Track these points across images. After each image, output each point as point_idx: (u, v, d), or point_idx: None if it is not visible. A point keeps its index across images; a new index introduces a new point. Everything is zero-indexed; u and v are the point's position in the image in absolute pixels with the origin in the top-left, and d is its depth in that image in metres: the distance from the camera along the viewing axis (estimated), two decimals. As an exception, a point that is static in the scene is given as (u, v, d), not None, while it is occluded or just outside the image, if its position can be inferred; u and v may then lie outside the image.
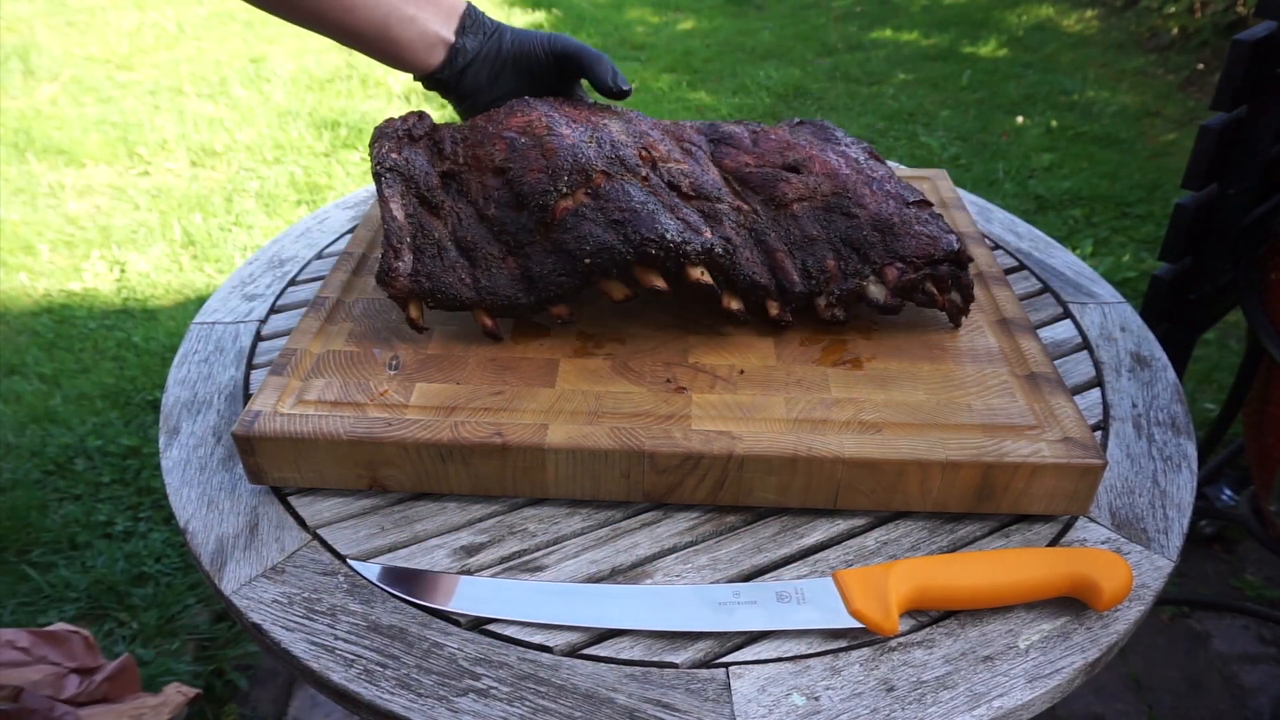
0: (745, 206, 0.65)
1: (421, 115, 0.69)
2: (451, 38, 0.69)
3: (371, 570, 0.50)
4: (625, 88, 0.71)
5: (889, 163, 0.90)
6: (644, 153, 0.65)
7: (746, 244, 0.62)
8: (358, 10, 0.65)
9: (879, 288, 0.62)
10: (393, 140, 0.66)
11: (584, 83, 0.75)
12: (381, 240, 0.63)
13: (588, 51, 0.71)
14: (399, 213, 0.61)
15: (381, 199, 0.62)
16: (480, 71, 0.70)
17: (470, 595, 0.48)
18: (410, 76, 0.72)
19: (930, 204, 0.66)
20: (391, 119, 0.69)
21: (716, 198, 0.64)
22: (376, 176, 0.64)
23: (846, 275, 0.62)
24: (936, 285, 0.62)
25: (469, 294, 0.59)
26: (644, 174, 0.63)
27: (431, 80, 0.71)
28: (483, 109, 0.71)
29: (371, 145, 0.66)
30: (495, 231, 0.62)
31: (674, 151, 0.67)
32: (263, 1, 0.63)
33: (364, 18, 0.65)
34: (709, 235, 0.59)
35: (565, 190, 0.60)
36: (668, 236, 0.57)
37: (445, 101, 0.75)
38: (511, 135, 0.65)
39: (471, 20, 0.69)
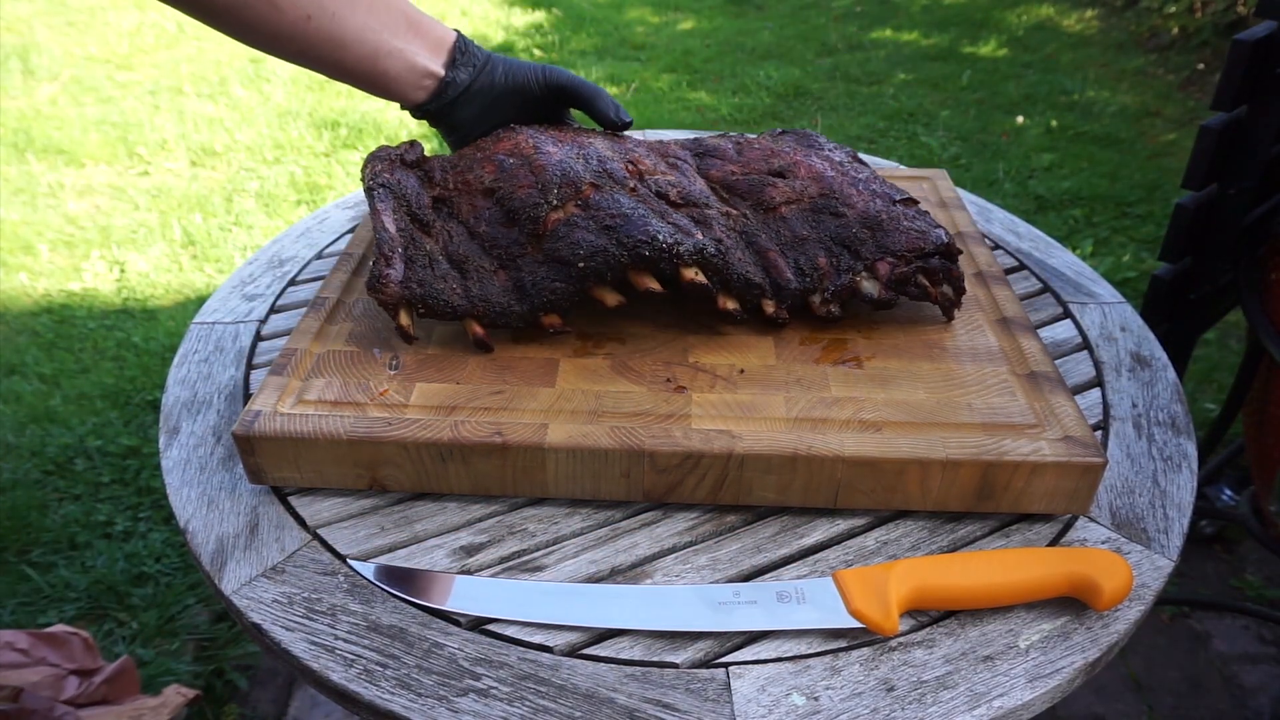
0: (734, 212, 0.66)
1: (413, 144, 0.70)
2: (441, 71, 0.68)
3: (368, 568, 0.50)
4: (626, 119, 0.71)
5: (889, 162, 0.91)
6: (630, 166, 0.66)
7: (738, 245, 0.62)
8: (349, 47, 0.63)
9: (872, 283, 0.62)
10: (385, 162, 0.67)
11: (574, 112, 0.75)
12: (373, 249, 0.63)
13: (584, 86, 0.71)
14: (390, 225, 0.61)
15: (373, 210, 0.62)
16: (472, 104, 0.70)
17: (467, 595, 0.48)
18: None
19: (916, 201, 0.67)
20: (385, 145, 0.69)
21: (705, 204, 0.64)
22: (369, 191, 0.64)
23: (839, 272, 0.62)
24: (928, 278, 0.62)
25: (460, 301, 0.59)
26: (632, 185, 0.63)
27: (421, 111, 0.70)
28: (474, 140, 0.71)
29: (364, 167, 0.67)
30: (486, 247, 0.62)
31: (659, 165, 0.68)
32: (255, 41, 0.62)
33: (355, 54, 0.64)
34: (700, 236, 0.60)
35: (555, 202, 0.60)
36: (660, 237, 0.57)
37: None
38: (500, 157, 0.66)
39: (462, 52, 0.68)
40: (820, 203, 0.65)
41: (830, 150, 0.73)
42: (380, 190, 0.64)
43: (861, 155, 0.81)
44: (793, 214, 0.65)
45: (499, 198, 0.64)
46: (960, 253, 0.64)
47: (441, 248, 0.62)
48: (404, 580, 0.49)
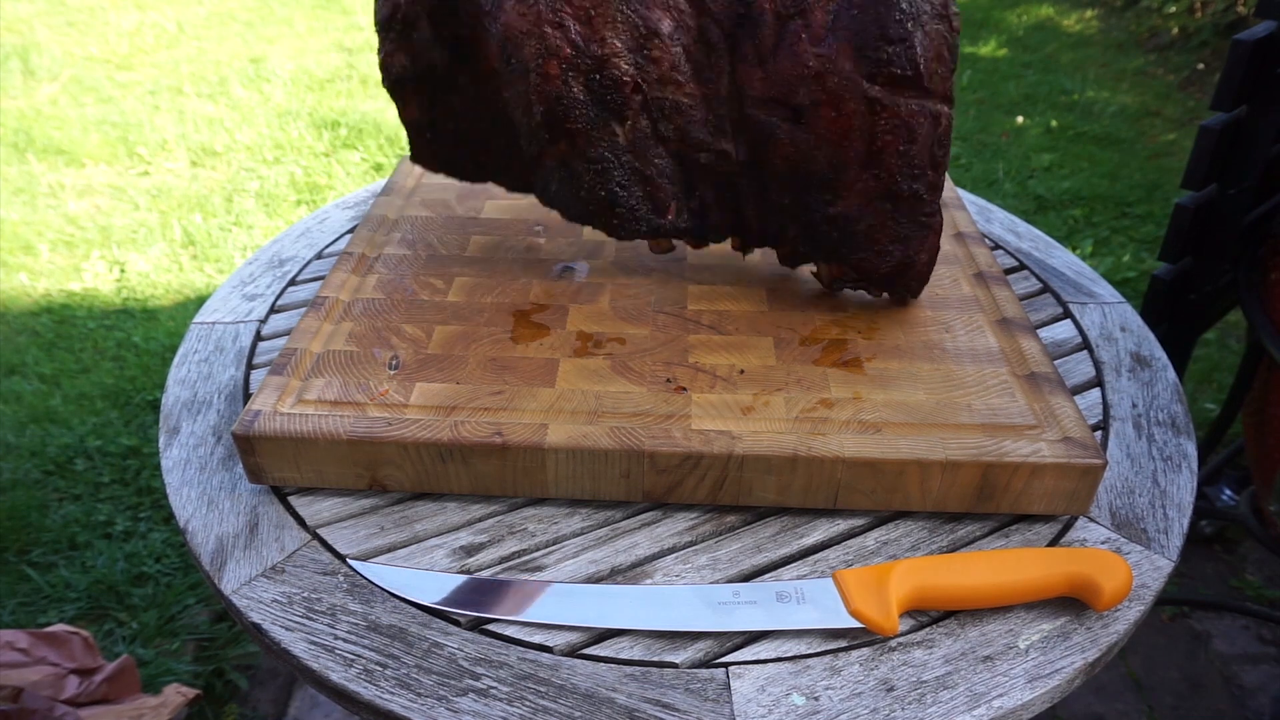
0: (730, 153, 0.60)
1: None
2: None
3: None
4: None
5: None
6: (642, 73, 0.58)
7: (717, 202, 0.63)
8: None
9: (825, 269, 0.65)
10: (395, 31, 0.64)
11: None
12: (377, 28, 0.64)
13: None
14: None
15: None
16: None
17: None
18: None
19: (928, 198, 0.59)
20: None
21: (704, 145, 0.60)
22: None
23: (797, 254, 0.65)
24: (875, 286, 0.65)
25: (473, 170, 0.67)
26: (628, 120, 0.58)
27: None
28: None
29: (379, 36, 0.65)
30: (493, 128, 0.65)
31: (682, 58, 0.58)
32: None
33: None
34: (670, 217, 0.62)
35: (547, 140, 0.61)
36: (631, 225, 0.62)
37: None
38: (499, 37, 0.59)
39: None
40: (819, 177, 0.59)
41: (892, 65, 0.55)
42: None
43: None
44: (786, 170, 0.59)
45: (505, 96, 0.63)
46: (920, 277, 0.62)
47: (454, 113, 0.65)
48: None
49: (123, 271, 2.00)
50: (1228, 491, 1.35)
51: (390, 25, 0.63)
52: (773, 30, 0.56)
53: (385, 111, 2.79)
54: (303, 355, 0.59)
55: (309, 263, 0.78)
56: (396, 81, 0.63)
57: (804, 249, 0.64)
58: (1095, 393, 0.64)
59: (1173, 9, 3.33)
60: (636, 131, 0.60)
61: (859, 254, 0.62)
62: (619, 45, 0.58)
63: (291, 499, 0.55)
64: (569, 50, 0.57)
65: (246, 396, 0.63)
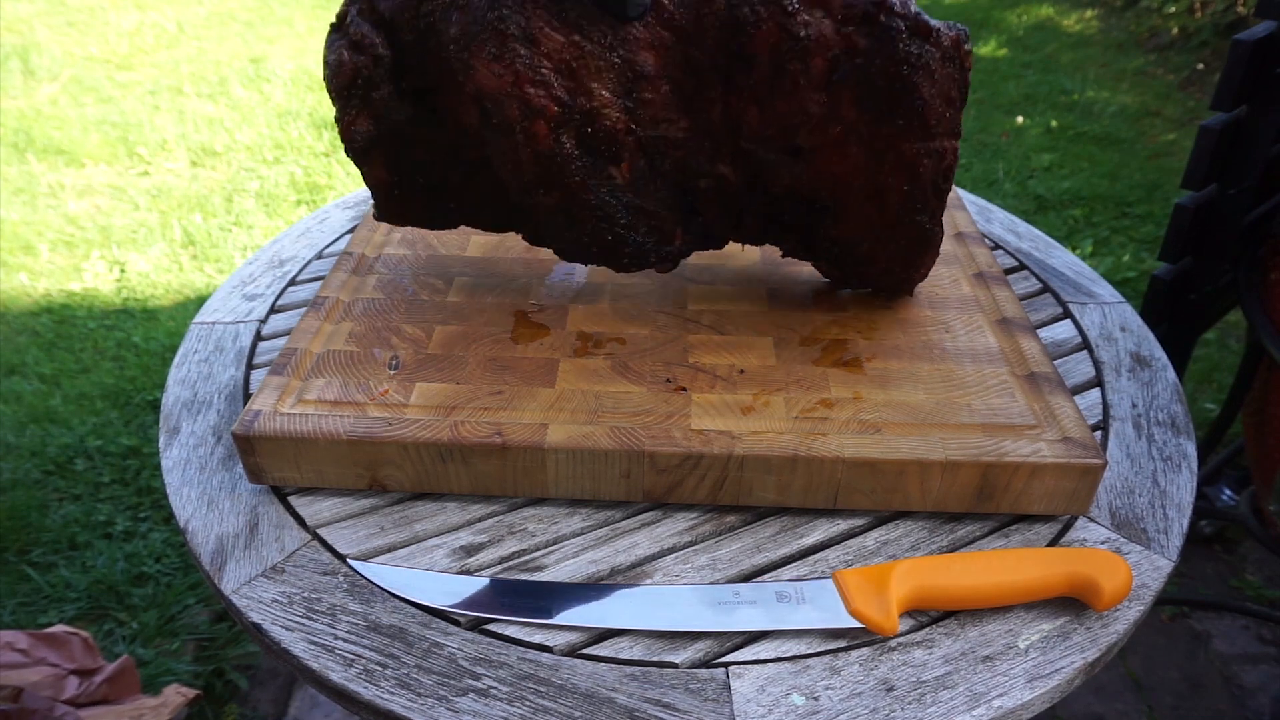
0: (729, 176, 0.58)
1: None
2: None
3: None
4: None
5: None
6: (634, 120, 0.55)
7: (720, 218, 0.62)
8: None
9: (825, 266, 0.66)
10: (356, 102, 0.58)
11: None
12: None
13: None
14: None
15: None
16: None
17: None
18: None
19: (931, 223, 0.59)
20: (341, 60, 0.57)
21: (701, 173, 0.58)
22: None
23: (797, 255, 0.65)
24: (870, 288, 0.67)
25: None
26: (624, 162, 0.56)
27: None
28: None
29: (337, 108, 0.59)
30: (465, 178, 0.63)
31: (670, 93, 0.54)
32: None
33: None
34: (677, 243, 0.61)
35: (542, 193, 0.59)
36: (644, 257, 0.61)
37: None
38: (477, 100, 0.55)
39: None
40: (820, 205, 0.60)
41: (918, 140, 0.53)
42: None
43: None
44: (785, 194, 0.59)
45: (482, 153, 0.59)
46: (913, 285, 0.66)
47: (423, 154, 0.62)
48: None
49: (123, 271, 2.00)
50: (1228, 491, 1.35)
51: (350, 92, 0.58)
52: (768, 72, 0.53)
53: (385, 111, 2.78)
54: (303, 355, 0.59)
55: (309, 263, 0.78)
56: (362, 150, 0.59)
57: (804, 256, 0.64)
58: (1095, 393, 0.64)
59: (1173, 9, 3.33)
60: (634, 171, 0.58)
61: (858, 268, 0.63)
62: (608, 95, 0.54)
63: (291, 499, 0.55)
64: (555, 108, 0.54)
65: (246, 396, 0.63)
